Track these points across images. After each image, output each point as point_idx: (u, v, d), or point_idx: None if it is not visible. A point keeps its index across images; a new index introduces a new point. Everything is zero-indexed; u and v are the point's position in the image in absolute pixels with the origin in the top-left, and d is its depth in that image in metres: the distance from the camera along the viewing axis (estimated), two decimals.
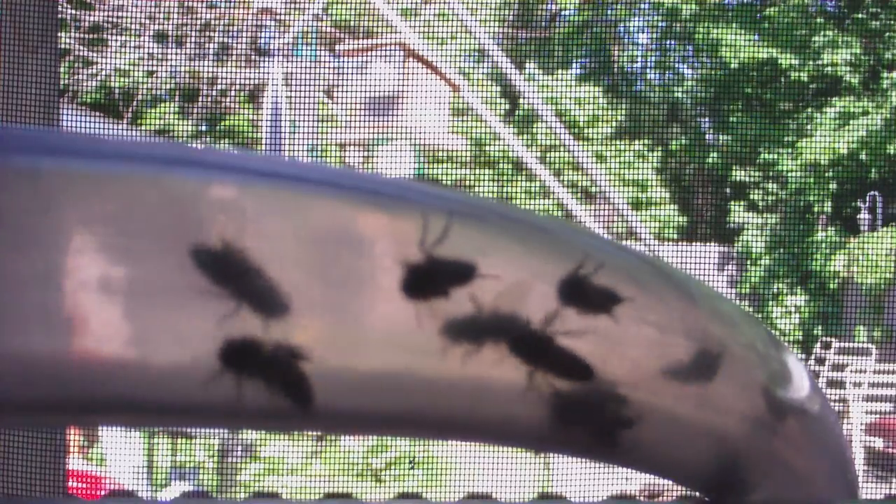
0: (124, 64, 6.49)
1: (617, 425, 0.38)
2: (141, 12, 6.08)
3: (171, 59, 6.23)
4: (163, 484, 4.04)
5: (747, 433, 0.43)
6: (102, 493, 3.18)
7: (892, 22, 7.56)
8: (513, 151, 5.75)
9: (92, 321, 0.30)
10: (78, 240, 0.30)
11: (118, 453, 3.81)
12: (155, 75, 6.43)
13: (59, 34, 1.63)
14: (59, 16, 2.24)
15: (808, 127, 7.72)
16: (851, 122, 7.38)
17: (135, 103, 6.48)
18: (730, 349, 0.42)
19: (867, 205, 7.62)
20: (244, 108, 7.03)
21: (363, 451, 4.60)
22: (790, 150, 7.74)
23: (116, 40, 6.29)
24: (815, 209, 8.04)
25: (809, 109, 7.92)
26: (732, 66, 7.81)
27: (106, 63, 6.33)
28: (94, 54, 6.24)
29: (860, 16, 8.01)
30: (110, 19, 6.07)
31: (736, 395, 0.42)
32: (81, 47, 6.14)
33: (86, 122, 4.24)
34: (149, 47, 6.27)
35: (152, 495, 3.99)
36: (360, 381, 0.34)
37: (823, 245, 7.71)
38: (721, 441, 0.42)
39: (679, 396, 0.40)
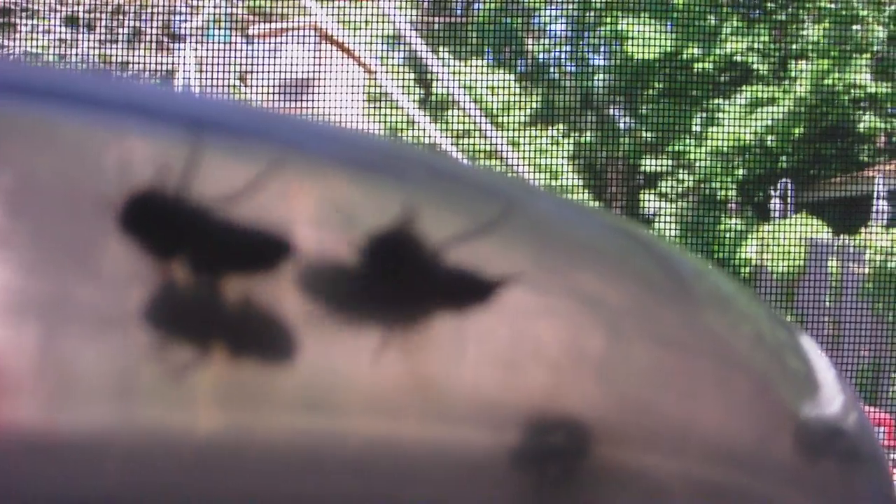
0: (35, 48, 6.39)
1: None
2: None
3: (83, 44, 6.15)
4: None
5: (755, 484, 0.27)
6: None
7: (800, 11, 7.73)
8: (427, 137, 5.78)
9: None
10: None
11: None
12: (66, 60, 6.34)
13: None
14: None
15: (719, 115, 7.85)
16: (760, 109, 7.52)
17: None
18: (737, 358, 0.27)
19: (778, 192, 7.75)
20: None
21: None
22: (700, 139, 7.87)
23: (26, 24, 6.19)
24: (725, 196, 8.17)
25: (719, 99, 8.06)
26: (642, 56, 7.90)
27: (15, 47, 6.23)
28: (3, 38, 6.14)
29: (769, 5, 8.18)
30: (19, 3, 5.98)
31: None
32: None
33: None
34: (59, 32, 6.18)
35: None
36: None
37: (734, 232, 7.83)
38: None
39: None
